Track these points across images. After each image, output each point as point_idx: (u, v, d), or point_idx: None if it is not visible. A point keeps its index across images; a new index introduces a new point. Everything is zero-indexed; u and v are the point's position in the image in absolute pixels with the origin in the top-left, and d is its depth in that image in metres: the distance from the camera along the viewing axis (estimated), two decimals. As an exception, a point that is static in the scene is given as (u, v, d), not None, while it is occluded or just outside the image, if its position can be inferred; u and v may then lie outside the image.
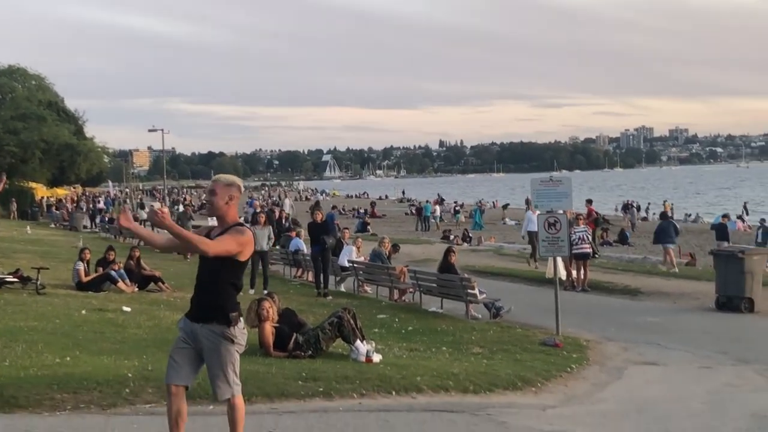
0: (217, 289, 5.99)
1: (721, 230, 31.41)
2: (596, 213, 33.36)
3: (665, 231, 26.66)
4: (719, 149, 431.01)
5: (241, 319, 6.14)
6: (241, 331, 6.10)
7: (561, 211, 15.30)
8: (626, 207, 60.84)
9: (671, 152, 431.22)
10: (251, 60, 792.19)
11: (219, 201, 6.09)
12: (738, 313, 17.23)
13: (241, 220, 6.42)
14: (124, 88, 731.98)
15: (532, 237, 26.38)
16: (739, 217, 53.83)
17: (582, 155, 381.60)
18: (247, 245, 6.01)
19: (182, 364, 6.08)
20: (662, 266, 26.30)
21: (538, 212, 23.86)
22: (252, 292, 18.16)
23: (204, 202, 68.18)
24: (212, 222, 6.39)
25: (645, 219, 62.59)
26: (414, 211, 60.72)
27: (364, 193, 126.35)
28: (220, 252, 5.88)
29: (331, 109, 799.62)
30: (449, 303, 17.95)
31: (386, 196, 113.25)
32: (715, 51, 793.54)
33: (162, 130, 70.77)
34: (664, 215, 30.71)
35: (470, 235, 44.24)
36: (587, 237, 21.93)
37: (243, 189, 6.36)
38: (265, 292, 17.91)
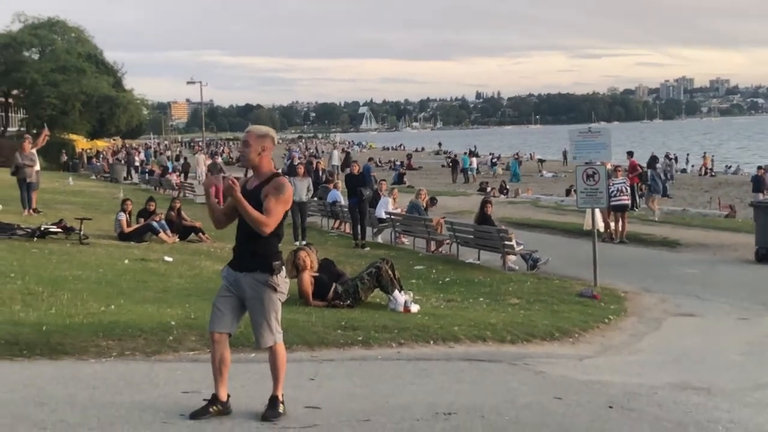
0: (259, 238, 6.06)
1: (757, 182, 31.13)
2: (640, 166, 33.02)
3: (654, 180, 26.67)
4: (761, 100, 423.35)
5: (284, 267, 6.22)
6: (283, 280, 6.19)
7: (599, 163, 15.23)
8: (653, 160, 59.49)
9: (712, 103, 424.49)
10: (289, 12, 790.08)
11: (252, 152, 6.14)
12: (778, 265, 17.10)
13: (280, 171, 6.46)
14: (162, 40, 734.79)
15: None
16: (779, 169, 53.02)
17: (621, 106, 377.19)
18: (289, 199, 6.13)
19: (225, 311, 6.20)
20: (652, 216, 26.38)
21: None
22: (298, 244, 18.29)
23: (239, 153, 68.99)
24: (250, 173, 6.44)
25: (684, 171, 61.96)
26: (450, 164, 60.36)
27: (400, 145, 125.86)
28: (275, 225, 6.03)
29: (368, 61, 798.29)
30: (486, 254, 18.00)
31: (422, 149, 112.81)
32: (758, 0, 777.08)
33: (200, 82, 70.81)
34: (651, 164, 30.54)
35: (507, 187, 44.09)
36: (626, 189, 21.78)
37: (277, 140, 6.41)
38: (304, 243, 18.10)
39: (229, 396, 6.40)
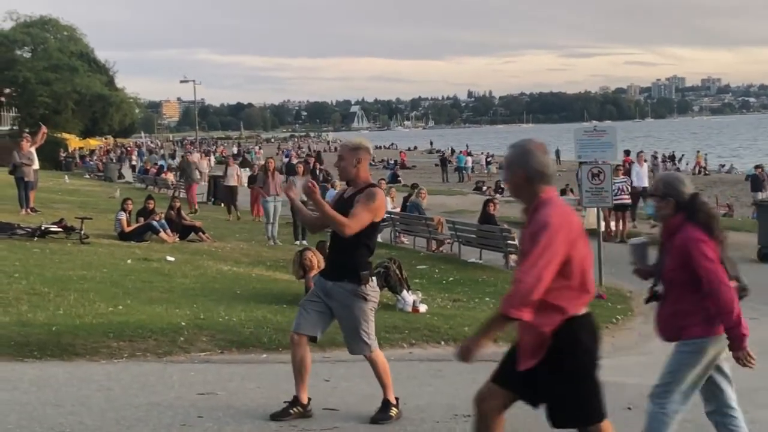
0: (350, 249, 6.11)
1: (755, 181, 31.26)
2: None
3: None
4: (752, 99, 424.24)
5: (373, 278, 6.27)
6: (373, 289, 6.24)
7: (601, 162, 15.21)
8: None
9: (703, 102, 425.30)
10: (280, 10, 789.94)
11: (348, 165, 6.20)
12: (781, 265, 17.03)
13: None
14: (151, 39, 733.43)
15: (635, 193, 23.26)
16: (774, 168, 53.16)
17: (613, 105, 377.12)
18: (379, 209, 6.14)
19: (310, 314, 6.25)
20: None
21: (645, 165, 23.53)
22: (298, 243, 18.20)
23: (244, 152, 68.02)
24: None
25: (678, 170, 62.05)
26: (440, 162, 59.91)
27: (392, 144, 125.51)
28: (357, 230, 6.02)
29: (360, 60, 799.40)
30: (487, 254, 17.93)
31: (415, 147, 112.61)
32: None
33: (194, 81, 70.55)
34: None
35: (502, 186, 43.98)
36: (626, 188, 21.75)
37: (372, 149, 6.44)
38: (305, 242, 18.03)
39: (310, 399, 6.42)
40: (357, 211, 6.02)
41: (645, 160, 26.81)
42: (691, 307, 5.14)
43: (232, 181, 26.83)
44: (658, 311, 5.35)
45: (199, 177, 29.38)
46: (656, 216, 5.32)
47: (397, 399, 6.46)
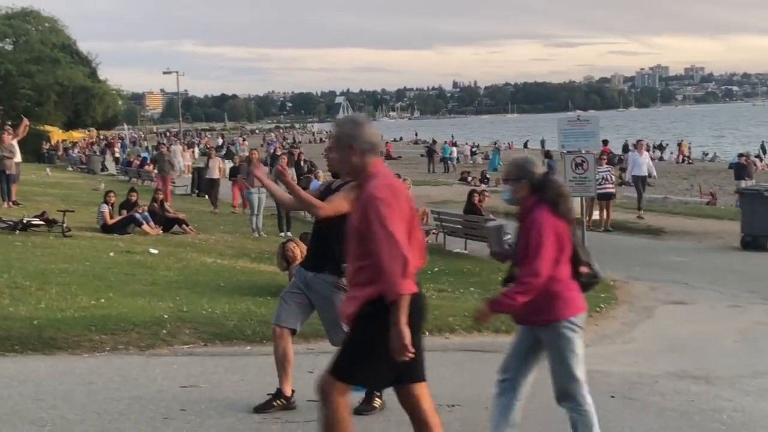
0: (332, 241, 6.06)
1: (739, 169, 31.44)
2: (612, 154, 33.24)
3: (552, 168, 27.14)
4: (735, 88, 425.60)
5: None
6: None
7: (584, 151, 15.21)
8: (626, 149, 59.30)
9: (687, 91, 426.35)
10: (263, 1, 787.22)
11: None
12: (764, 252, 17.05)
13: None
14: (134, 30, 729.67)
15: (638, 182, 23.52)
16: (757, 156, 53.42)
17: (597, 95, 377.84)
18: None
19: (290, 306, 6.22)
20: None
21: (646, 153, 23.40)
22: (283, 234, 18.18)
23: (229, 143, 67.59)
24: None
25: (661, 159, 62.25)
26: (427, 152, 59.81)
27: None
28: (330, 213, 5.97)
29: (344, 50, 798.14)
30: (472, 244, 17.92)
31: (401, 138, 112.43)
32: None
33: (177, 72, 70.27)
34: (547, 154, 31.17)
35: (487, 176, 43.99)
36: (611, 177, 21.77)
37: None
38: (289, 233, 18.02)
39: (293, 391, 6.41)
40: (336, 198, 6.01)
41: (647, 149, 26.61)
42: (543, 291, 5.14)
43: (214, 174, 26.70)
44: None
45: (170, 169, 28.90)
46: (513, 200, 5.34)
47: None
